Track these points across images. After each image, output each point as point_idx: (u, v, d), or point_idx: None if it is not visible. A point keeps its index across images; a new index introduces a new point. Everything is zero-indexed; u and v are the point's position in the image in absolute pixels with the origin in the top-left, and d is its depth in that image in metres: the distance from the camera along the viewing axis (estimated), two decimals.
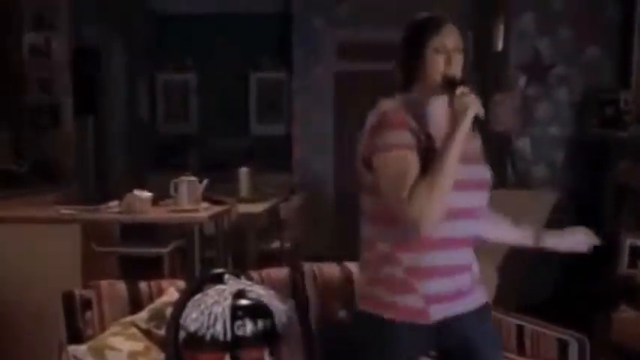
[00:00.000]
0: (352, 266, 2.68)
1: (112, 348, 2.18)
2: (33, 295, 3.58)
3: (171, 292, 2.37)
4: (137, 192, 3.89)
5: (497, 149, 5.36)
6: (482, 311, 1.95)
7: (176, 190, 4.11)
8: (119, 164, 6.86)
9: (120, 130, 6.97)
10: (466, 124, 1.77)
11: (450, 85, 1.82)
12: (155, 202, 4.07)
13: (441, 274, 1.85)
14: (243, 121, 7.76)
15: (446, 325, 1.87)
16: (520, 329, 2.61)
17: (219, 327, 1.76)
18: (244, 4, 7.31)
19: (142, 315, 2.32)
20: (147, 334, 2.26)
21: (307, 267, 2.64)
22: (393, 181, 1.77)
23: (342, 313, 2.57)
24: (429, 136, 1.85)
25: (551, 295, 4.55)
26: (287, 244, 5.26)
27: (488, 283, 2.59)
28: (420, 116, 1.87)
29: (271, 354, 1.86)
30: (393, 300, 1.83)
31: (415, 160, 1.78)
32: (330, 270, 2.66)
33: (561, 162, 5.39)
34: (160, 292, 2.42)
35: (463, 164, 1.80)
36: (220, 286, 1.85)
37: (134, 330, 2.26)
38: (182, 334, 1.82)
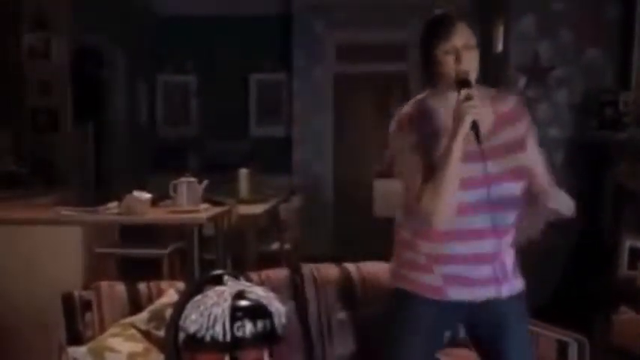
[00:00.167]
0: (351, 267, 2.69)
1: (112, 349, 2.18)
2: (33, 297, 3.58)
3: (171, 294, 2.37)
4: (136, 193, 3.89)
5: None
6: (512, 301, 2.01)
7: (175, 191, 4.11)
8: (119, 166, 6.86)
9: (120, 132, 6.97)
10: (462, 131, 1.83)
11: (461, 83, 1.88)
12: (155, 203, 4.06)
13: (459, 261, 1.96)
14: (243, 122, 7.77)
15: (473, 309, 1.98)
16: None
17: (218, 328, 1.75)
18: (244, 6, 7.32)
19: (142, 316, 2.32)
20: (146, 335, 2.26)
21: (307, 268, 2.65)
22: (406, 181, 1.96)
23: (341, 315, 2.58)
24: (436, 135, 1.93)
25: (551, 296, 4.55)
26: (287, 246, 5.26)
27: None
28: (430, 116, 1.96)
29: (271, 355, 1.86)
30: (415, 278, 2.01)
31: (417, 161, 1.91)
32: (330, 271, 2.66)
33: (561, 163, 5.39)
34: (160, 293, 2.42)
35: (481, 160, 1.87)
36: (220, 288, 1.85)
37: (134, 331, 2.26)
38: (181, 336, 1.82)
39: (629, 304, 3.88)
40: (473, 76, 1.91)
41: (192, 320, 1.78)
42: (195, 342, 1.78)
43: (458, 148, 1.83)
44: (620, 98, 5.13)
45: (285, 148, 7.51)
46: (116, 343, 2.21)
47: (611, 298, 4.05)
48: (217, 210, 4.22)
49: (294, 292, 2.57)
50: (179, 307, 1.86)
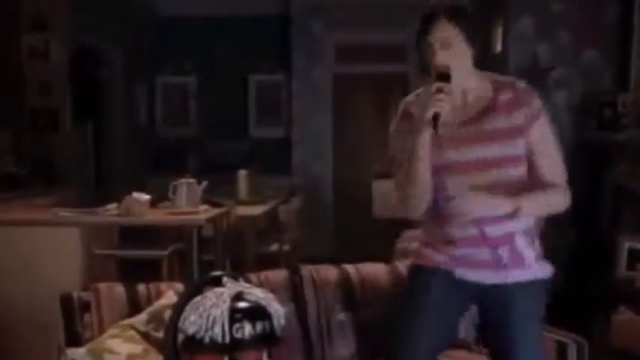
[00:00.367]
0: (350, 268, 2.69)
1: (111, 351, 2.18)
2: (32, 297, 3.57)
3: (170, 295, 2.37)
4: (135, 194, 3.89)
5: None
6: (523, 288, 2.03)
7: (175, 192, 4.11)
8: (119, 166, 6.86)
9: (119, 133, 6.97)
10: (423, 123, 1.93)
11: (439, 77, 1.95)
12: (154, 204, 4.06)
13: (464, 244, 2.02)
14: (242, 123, 7.77)
15: (482, 291, 2.04)
16: None
17: (217, 329, 1.75)
18: (243, 6, 7.33)
19: (141, 318, 2.32)
20: (145, 336, 2.26)
21: (306, 269, 2.65)
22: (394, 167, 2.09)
23: (340, 316, 2.58)
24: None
25: (550, 296, 4.54)
26: (286, 247, 5.25)
27: None
28: (418, 107, 2.06)
29: (270, 356, 1.86)
30: (428, 254, 2.12)
31: (401, 148, 2.03)
32: (329, 272, 2.66)
33: None
34: (159, 294, 2.42)
35: (468, 146, 1.97)
36: (219, 289, 1.85)
37: (133, 332, 2.26)
38: (181, 337, 1.82)
39: (628, 304, 3.88)
40: (458, 71, 1.97)
41: (192, 322, 1.78)
42: (194, 343, 1.78)
43: (418, 141, 1.94)
44: (619, 99, 5.14)
45: (285, 149, 7.51)
46: (115, 344, 2.21)
47: (610, 298, 4.05)
48: (216, 211, 4.22)
49: (294, 293, 2.57)
50: (178, 308, 1.86)
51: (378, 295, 2.60)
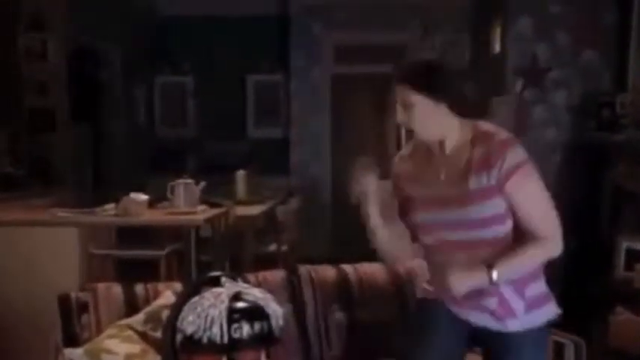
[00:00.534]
0: (348, 268, 2.69)
1: (109, 351, 2.18)
2: (29, 298, 3.57)
3: (168, 295, 2.37)
4: (133, 195, 3.89)
5: None
6: (521, 335, 2.01)
7: (173, 192, 4.11)
8: (117, 167, 6.85)
9: (118, 133, 6.96)
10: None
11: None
12: (152, 204, 4.06)
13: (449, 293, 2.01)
14: (240, 124, 7.77)
15: (478, 332, 2.05)
16: None
17: (215, 330, 1.75)
18: (242, 7, 7.32)
19: (139, 318, 2.31)
20: (143, 336, 2.26)
21: (304, 270, 2.65)
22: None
23: (338, 316, 2.58)
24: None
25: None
26: (284, 247, 5.25)
27: None
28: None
29: (268, 356, 1.86)
30: (427, 286, 2.17)
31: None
32: (327, 272, 2.66)
33: (558, 165, 5.40)
34: (157, 294, 2.42)
35: (445, 207, 1.97)
36: (217, 289, 1.84)
37: (130, 333, 2.26)
38: (179, 337, 1.82)
39: (625, 305, 3.89)
40: (425, 127, 1.98)
41: (190, 322, 1.78)
42: (192, 343, 1.78)
43: (368, 207, 2.14)
44: (617, 100, 5.14)
45: (283, 149, 7.51)
46: (113, 344, 2.21)
47: (608, 299, 4.06)
48: (214, 211, 4.22)
49: (292, 293, 2.57)
50: (176, 308, 1.86)
51: (376, 295, 2.60)
